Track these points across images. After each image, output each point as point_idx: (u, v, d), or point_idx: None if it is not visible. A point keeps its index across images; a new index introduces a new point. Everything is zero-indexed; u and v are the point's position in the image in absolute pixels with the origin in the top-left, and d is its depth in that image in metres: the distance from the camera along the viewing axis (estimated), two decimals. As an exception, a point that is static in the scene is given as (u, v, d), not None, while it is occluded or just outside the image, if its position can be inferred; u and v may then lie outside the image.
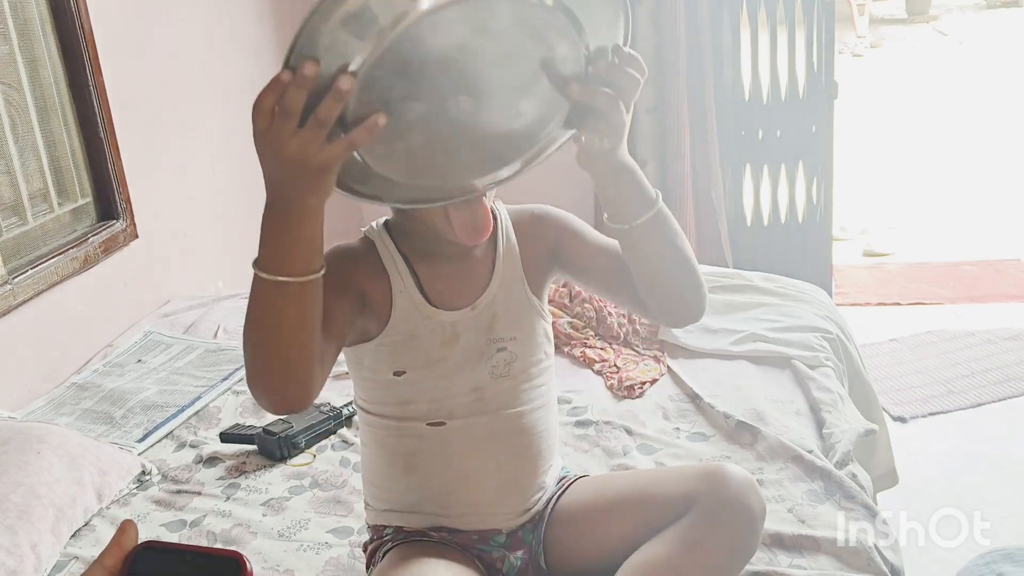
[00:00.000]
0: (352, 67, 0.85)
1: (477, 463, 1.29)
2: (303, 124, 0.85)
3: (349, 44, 0.84)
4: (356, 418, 1.94)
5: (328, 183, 0.91)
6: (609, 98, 1.00)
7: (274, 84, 0.84)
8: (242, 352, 1.04)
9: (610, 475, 1.59)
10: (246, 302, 1.00)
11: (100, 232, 2.35)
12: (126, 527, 0.60)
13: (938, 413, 2.81)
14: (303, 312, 0.99)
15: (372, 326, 1.22)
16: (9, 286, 2.04)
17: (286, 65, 0.84)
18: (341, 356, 1.21)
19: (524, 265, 1.28)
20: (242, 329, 1.02)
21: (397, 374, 1.24)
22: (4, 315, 2.05)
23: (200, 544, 1.59)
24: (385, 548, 1.31)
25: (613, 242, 1.22)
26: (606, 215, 1.16)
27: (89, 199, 2.36)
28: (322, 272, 0.98)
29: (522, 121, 0.99)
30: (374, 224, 1.27)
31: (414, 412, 1.27)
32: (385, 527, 1.33)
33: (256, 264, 0.96)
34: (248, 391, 2.07)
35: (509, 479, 1.32)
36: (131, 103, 2.48)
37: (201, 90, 2.84)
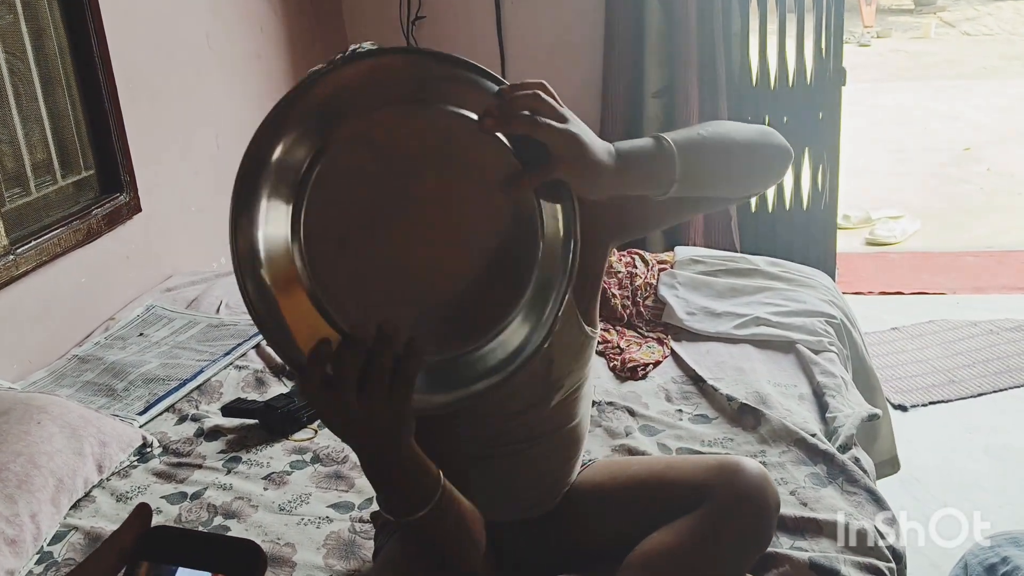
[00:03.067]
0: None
1: (521, 480, 1.28)
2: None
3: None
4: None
5: (408, 424, 0.86)
6: (528, 121, 0.86)
7: (318, 356, 0.78)
8: None
9: (624, 460, 1.57)
10: None
11: (103, 205, 2.34)
12: (140, 510, 0.59)
13: (939, 402, 2.81)
14: (452, 522, 0.97)
15: None
16: (11, 257, 2.04)
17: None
18: None
19: (576, 288, 1.11)
20: None
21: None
22: (6, 286, 2.04)
23: (200, 518, 1.59)
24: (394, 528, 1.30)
25: None
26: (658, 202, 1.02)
27: (92, 171, 2.34)
28: (442, 490, 0.93)
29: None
30: None
31: (463, 448, 1.21)
32: None
33: (386, 512, 0.94)
34: (249, 366, 2.07)
35: (549, 485, 1.32)
36: (136, 75, 2.46)
37: (206, 63, 2.82)
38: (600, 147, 0.90)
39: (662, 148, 0.96)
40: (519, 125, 0.85)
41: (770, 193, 3.54)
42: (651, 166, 0.96)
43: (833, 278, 3.31)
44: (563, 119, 0.87)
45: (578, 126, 0.88)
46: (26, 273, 2.09)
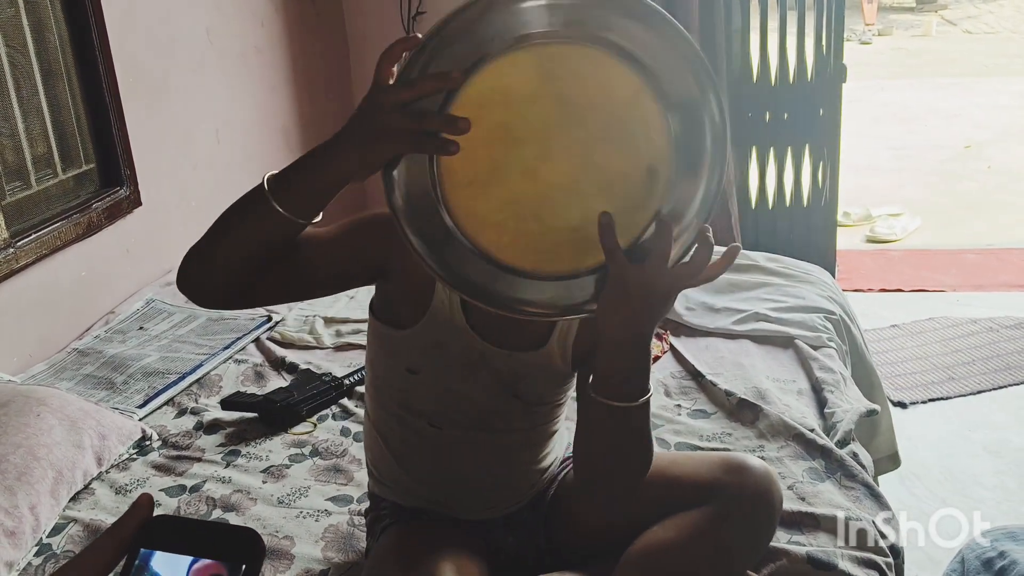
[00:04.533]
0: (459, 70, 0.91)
1: (472, 471, 1.29)
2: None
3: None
4: (359, 388, 1.94)
5: (373, 154, 0.90)
6: (613, 257, 0.92)
7: (406, 45, 0.93)
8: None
9: None
10: None
11: (103, 198, 2.34)
12: (141, 500, 0.60)
13: (938, 399, 2.81)
14: (266, 238, 0.99)
15: (405, 312, 1.18)
16: (12, 250, 2.04)
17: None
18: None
19: (577, 337, 1.20)
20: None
21: (411, 371, 1.21)
22: (6, 279, 2.04)
23: (199, 510, 1.59)
24: (383, 524, 1.30)
25: None
26: (591, 378, 1.06)
27: (93, 165, 2.34)
28: (303, 225, 0.98)
29: (583, 221, 0.93)
30: None
31: (418, 409, 1.25)
32: (383, 500, 1.33)
33: (268, 176, 0.96)
34: (248, 360, 2.07)
35: (504, 484, 1.31)
36: (136, 70, 2.46)
37: (206, 58, 2.82)
38: (626, 325, 0.96)
39: (650, 388, 1.03)
40: (608, 253, 0.92)
41: (770, 190, 3.54)
42: (639, 379, 1.02)
43: (833, 275, 3.32)
44: (664, 290, 0.94)
45: (651, 297, 0.94)
46: (26, 266, 2.09)
